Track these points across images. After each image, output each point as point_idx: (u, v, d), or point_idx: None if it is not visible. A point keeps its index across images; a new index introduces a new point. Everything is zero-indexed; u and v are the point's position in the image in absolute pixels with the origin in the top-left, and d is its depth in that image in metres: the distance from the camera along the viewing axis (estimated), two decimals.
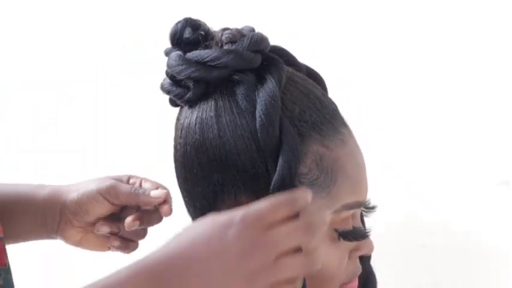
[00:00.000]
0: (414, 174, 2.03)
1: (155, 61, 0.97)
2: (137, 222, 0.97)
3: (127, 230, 0.98)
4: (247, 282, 0.71)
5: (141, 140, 1.76)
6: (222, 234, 0.72)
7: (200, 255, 0.71)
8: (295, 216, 0.74)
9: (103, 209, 0.98)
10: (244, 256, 0.71)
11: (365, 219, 0.92)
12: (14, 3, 1.83)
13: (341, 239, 0.83)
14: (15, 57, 1.83)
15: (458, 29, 1.95)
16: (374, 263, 0.97)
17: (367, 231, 0.86)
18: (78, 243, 1.02)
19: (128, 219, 0.97)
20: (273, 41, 0.87)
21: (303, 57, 0.87)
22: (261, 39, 0.84)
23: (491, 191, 2.00)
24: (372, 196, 0.90)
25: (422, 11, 1.95)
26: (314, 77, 0.89)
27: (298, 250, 0.74)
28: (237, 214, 0.72)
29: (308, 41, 1.90)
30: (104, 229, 0.98)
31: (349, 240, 0.83)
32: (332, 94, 0.89)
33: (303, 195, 0.75)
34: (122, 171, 1.02)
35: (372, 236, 0.90)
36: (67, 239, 1.01)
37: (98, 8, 1.79)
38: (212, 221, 0.73)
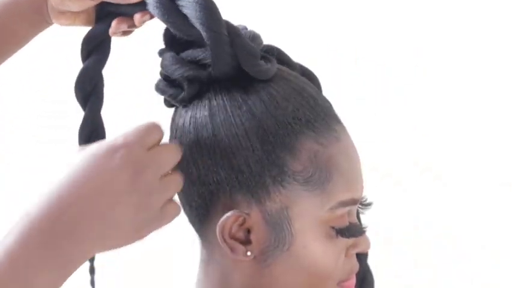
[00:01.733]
0: (417, 175, 2.03)
1: (150, 61, 0.97)
2: (148, 16, 0.87)
3: (138, 25, 0.88)
4: (140, 207, 0.73)
5: None
6: (107, 163, 0.72)
7: (90, 191, 0.71)
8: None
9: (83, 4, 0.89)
10: (134, 181, 0.73)
11: (369, 218, 0.92)
12: None
13: (338, 236, 0.83)
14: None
15: (463, 34, 1.95)
16: (375, 263, 0.97)
17: (364, 227, 0.87)
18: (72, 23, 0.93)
19: (138, 15, 0.86)
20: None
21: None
22: (253, 37, 0.84)
23: (495, 192, 2.01)
24: (376, 195, 0.90)
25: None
26: (308, 75, 0.89)
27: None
28: (117, 140, 0.73)
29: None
30: (123, 27, 0.88)
31: (346, 236, 0.83)
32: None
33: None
34: None
35: (375, 237, 0.90)
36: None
37: None
38: (93, 153, 0.73)
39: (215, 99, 0.83)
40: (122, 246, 0.75)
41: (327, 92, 0.91)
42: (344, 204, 0.83)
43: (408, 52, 2.05)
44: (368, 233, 0.88)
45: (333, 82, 1.79)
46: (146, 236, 0.76)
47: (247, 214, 0.82)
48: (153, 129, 0.76)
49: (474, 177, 2.02)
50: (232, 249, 0.83)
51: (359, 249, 0.87)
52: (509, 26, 2.00)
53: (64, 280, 0.72)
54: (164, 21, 0.83)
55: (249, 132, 0.81)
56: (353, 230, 0.84)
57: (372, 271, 0.95)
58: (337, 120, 0.85)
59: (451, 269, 1.98)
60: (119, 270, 1.95)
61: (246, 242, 0.83)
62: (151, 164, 0.74)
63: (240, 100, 0.82)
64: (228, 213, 0.82)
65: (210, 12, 0.81)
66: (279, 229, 0.82)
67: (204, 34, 0.81)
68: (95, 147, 0.74)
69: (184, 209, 0.87)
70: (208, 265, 0.88)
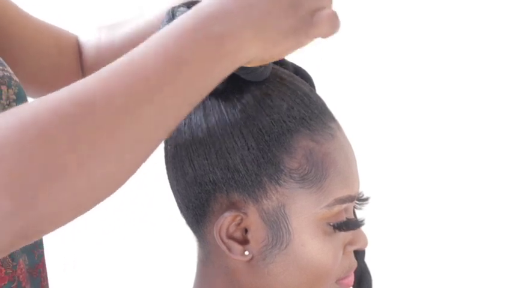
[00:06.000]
0: (417, 175, 2.04)
1: None
2: None
3: None
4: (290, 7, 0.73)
5: None
6: None
7: None
8: None
9: None
10: None
11: (369, 218, 0.92)
12: None
13: (336, 231, 0.83)
14: None
15: (460, 30, 1.95)
16: (375, 263, 0.97)
17: (361, 220, 0.86)
18: None
19: None
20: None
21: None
22: None
23: (495, 194, 2.00)
24: (376, 195, 0.90)
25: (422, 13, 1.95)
26: (301, 74, 0.89)
27: None
28: None
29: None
30: None
31: (344, 230, 0.84)
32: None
33: None
34: None
35: (374, 237, 0.90)
36: None
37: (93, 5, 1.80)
38: None
39: (209, 99, 0.83)
40: (273, 47, 0.74)
41: (327, 91, 0.91)
42: (341, 201, 0.83)
43: (408, 52, 2.05)
44: (367, 233, 0.88)
45: (333, 82, 1.79)
46: (301, 41, 0.74)
47: (244, 213, 0.82)
48: None
49: (474, 178, 2.02)
50: (230, 250, 0.83)
51: (356, 246, 0.87)
52: (509, 26, 2.00)
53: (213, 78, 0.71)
54: None
55: (244, 131, 0.81)
56: (351, 224, 0.84)
57: (370, 270, 0.95)
58: (332, 118, 0.85)
59: (450, 269, 1.98)
60: (119, 271, 1.95)
61: (244, 241, 0.83)
62: None
63: (235, 99, 0.82)
64: (225, 213, 0.82)
65: None
66: (277, 227, 0.82)
67: None
68: None
69: (181, 211, 0.87)
70: (206, 266, 0.88)
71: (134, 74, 0.67)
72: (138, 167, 0.69)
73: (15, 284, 0.90)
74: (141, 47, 0.69)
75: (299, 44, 0.75)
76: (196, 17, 0.70)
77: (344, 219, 0.84)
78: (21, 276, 0.90)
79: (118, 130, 0.66)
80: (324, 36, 0.75)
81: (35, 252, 0.93)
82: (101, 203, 0.75)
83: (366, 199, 0.89)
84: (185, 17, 0.71)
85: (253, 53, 0.73)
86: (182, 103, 0.70)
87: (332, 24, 0.75)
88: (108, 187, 0.68)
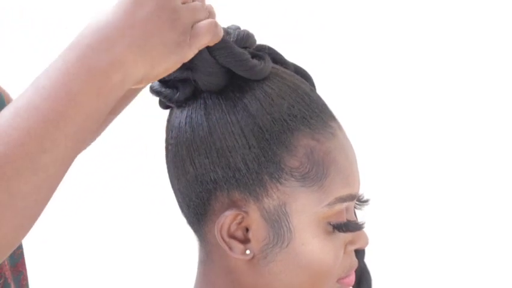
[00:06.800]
0: (416, 174, 2.04)
1: None
2: None
3: None
4: (172, 24, 0.74)
5: (133, 143, 1.76)
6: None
7: (127, 21, 0.73)
8: None
9: None
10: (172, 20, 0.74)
11: (369, 218, 0.92)
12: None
13: (335, 231, 0.84)
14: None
15: (460, 30, 1.95)
16: (374, 262, 0.97)
17: (361, 223, 0.87)
18: None
19: None
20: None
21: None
22: (247, 36, 0.84)
23: (494, 193, 2.00)
24: (376, 195, 0.91)
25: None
26: (302, 73, 0.89)
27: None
28: None
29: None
30: None
31: (343, 231, 0.84)
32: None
33: None
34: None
35: (374, 236, 0.90)
36: None
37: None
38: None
39: (210, 98, 0.83)
40: (159, 64, 0.75)
41: (327, 91, 0.91)
42: (342, 200, 0.83)
43: (408, 52, 2.05)
44: (367, 233, 0.88)
45: (332, 82, 1.79)
46: (185, 53, 0.76)
47: (245, 212, 0.82)
48: None
49: (474, 178, 2.02)
50: (231, 249, 0.83)
51: (357, 246, 0.87)
52: (509, 26, 2.01)
53: (104, 104, 0.72)
54: None
55: (245, 130, 0.81)
56: (351, 225, 0.84)
57: (369, 270, 0.95)
58: (332, 117, 0.85)
59: (450, 269, 1.98)
60: (120, 271, 1.96)
61: (245, 240, 0.83)
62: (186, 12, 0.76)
63: (235, 98, 0.82)
64: (226, 212, 0.82)
65: None
66: (278, 226, 0.82)
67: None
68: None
69: (182, 210, 0.87)
70: (207, 265, 0.88)
71: (25, 133, 0.69)
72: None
73: (2, 280, 0.90)
74: (28, 96, 0.71)
75: (184, 57, 0.76)
76: (74, 57, 0.71)
77: (345, 220, 0.84)
78: (7, 273, 0.91)
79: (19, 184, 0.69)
80: (210, 43, 0.78)
81: (15, 252, 0.94)
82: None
83: (367, 201, 0.89)
84: (64, 59, 0.72)
85: (141, 74, 0.74)
86: (81, 139, 0.72)
87: (213, 33, 0.77)
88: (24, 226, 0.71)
